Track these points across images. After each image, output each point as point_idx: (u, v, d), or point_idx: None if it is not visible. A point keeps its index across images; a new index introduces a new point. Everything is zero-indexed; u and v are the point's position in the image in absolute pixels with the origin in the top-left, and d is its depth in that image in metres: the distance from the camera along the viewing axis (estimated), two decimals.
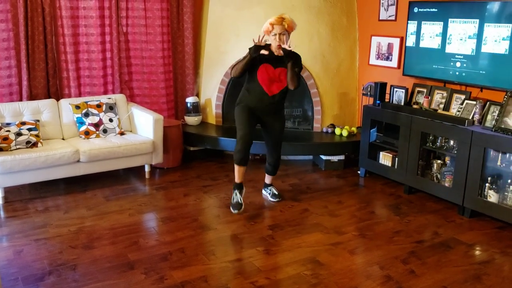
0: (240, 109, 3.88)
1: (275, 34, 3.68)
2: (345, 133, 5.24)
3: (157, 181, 4.73)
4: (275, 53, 3.77)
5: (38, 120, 4.44)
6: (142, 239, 3.46)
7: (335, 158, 5.15)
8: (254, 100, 3.86)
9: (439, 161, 4.30)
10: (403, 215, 3.98)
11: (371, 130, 4.80)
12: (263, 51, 3.66)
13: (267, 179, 4.28)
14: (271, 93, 3.82)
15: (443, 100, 4.39)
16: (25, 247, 3.29)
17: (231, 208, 3.95)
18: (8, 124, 4.24)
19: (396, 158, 4.55)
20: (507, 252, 3.37)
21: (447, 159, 4.24)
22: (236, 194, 3.96)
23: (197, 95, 5.75)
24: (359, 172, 5.00)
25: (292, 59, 3.70)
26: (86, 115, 4.66)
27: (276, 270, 3.05)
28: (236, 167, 3.86)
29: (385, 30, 5.13)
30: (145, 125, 4.78)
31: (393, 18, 5.02)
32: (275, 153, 4.07)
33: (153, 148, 4.66)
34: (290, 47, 3.70)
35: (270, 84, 3.81)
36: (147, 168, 4.80)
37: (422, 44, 4.52)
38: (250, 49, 3.68)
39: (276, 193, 4.24)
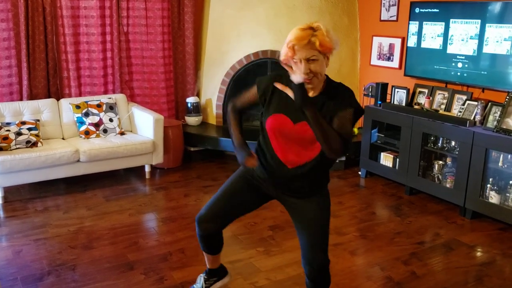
0: (236, 173, 2.36)
1: (299, 61, 1.96)
2: None
3: (157, 181, 4.72)
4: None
5: (38, 120, 4.43)
6: (142, 239, 3.45)
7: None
8: (263, 168, 2.22)
9: (440, 162, 4.29)
10: (404, 216, 3.97)
11: (372, 131, 4.78)
12: (280, 86, 1.99)
13: None
14: (292, 165, 2.15)
15: (445, 101, 4.38)
16: (24, 247, 3.28)
17: None
18: (8, 124, 4.23)
19: (397, 159, 4.54)
20: (508, 253, 3.35)
21: (449, 160, 4.22)
22: (200, 279, 2.64)
23: (198, 95, 5.74)
24: (360, 172, 4.99)
25: (337, 106, 2.02)
26: (86, 115, 4.65)
27: (276, 270, 3.04)
28: (203, 252, 2.54)
29: (386, 30, 5.12)
30: (145, 125, 4.77)
31: (394, 18, 5.00)
32: (313, 257, 2.17)
33: (153, 148, 4.65)
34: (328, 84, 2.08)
35: (289, 151, 2.13)
36: (147, 168, 4.79)
37: (424, 45, 4.51)
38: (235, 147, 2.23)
39: None
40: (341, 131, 1.97)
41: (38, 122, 4.39)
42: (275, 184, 2.20)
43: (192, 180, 4.73)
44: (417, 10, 4.54)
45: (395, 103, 4.70)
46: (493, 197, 3.76)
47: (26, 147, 4.19)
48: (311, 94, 2.05)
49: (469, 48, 4.12)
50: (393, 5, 5.00)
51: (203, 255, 2.53)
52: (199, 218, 2.32)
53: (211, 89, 5.61)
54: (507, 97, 3.77)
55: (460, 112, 4.12)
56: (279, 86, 1.98)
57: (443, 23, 4.31)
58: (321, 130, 1.91)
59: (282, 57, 2.00)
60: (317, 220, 2.18)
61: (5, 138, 4.12)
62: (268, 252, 3.28)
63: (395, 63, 5.04)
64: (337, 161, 5.13)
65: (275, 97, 2.11)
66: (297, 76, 1.90)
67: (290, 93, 1.94)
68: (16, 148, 4.14)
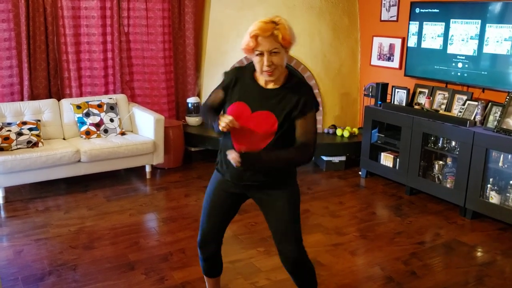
0: (210, 183, 2.35)
1: (261, 53, 2.01)
2: (346, 134, 5.23)
3: (158, 181, 4.72)
4: (263, 83, 2.13)
5: (39, 120, 4.44)
6: (143, 239, 3.45)
7: (336, 159, 5.14)
8: (226, 166, 2.20)
9: (440, 162, 4.29)
10: (404, 216, 3.97)
11: (372, 131, 4.79)
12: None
13: None
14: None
15: (445, 101, 4.38)
16: (25, 247, 3.29)
17: None
18: (9, 124, 4.24)
19: (398, 159, 4.54)
20: (509, 253, 3.35)
21: (449, 160, 4.23)
22: None
23: (198, 95, 5.75)
24: (360, 173, 4.99)
25: (300, 104, 2.06)
26: (87, 115, 4.65)
27: (277, 270, 3.04)
28: (205, 277, 2.53)
29: (386, 30, 5.12)
30: (146, 125, 4.77)
31: (394, 18, 5.01)
32: (285, 249, 2.21)
33: (154, 148, 4.66)
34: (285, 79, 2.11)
35: (245, 141, 2.11)
36: (148, 169, 4.79)
37: (424, 45, 4.51)
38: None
39: None
40: (305, 138, 2.06)
41: (39, 122, 4.40)
42: (236, 179, 2.17)
43: (193, 180, 4.74)
44: (417, 10, 4.54)
45: (395, 103, 4.70)
46: (494, 197, 3.76)
47: (27, 147, 4.19)
48: (271, 85, 2.11)
49: (469, 48, 4.12)
50: (393, 5, 5.00)
51: (205, 280, 2.55)
52: (200, 243, 2.35)
53: (212, 89, 5.59)
54: (507, 97, 3.78)
55: (460, 112, 4.12)
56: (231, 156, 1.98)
57: (443, 23, 4.31)
58: (282, 163, 2.08)
59: (243, 46, 2.06)
60: (284, 212, 2.18)
61: (6, 138, 4.13)
62: (269, 252, 3.28)
63: (395, 63, 5.04)
64: (337, 161, 5.14)
65: (237, 87, 2.17)
66: (259, 68, 2.03)
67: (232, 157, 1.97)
68: (17, 148, 4.15)
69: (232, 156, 1.98)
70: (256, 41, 1.99)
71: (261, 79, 2.12)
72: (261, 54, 2.01)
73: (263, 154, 2.05)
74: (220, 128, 2.00)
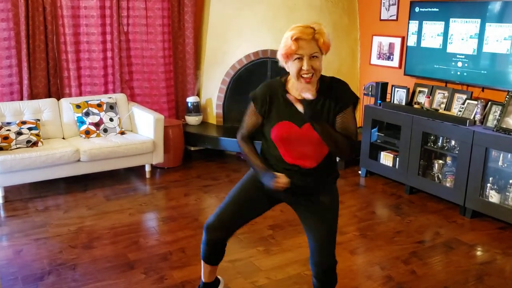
0: (246, 176, 2.34)
1: (300, 58, 1.95)
2: None
3: (158, 180, 4.72)
4: (297, 94, 2.04)
5: (38, 120, 4.43)
6: (142, 239, 3.45)
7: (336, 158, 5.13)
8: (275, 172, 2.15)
9: (440, 161, 4.29)
10: (404, 215, 3.97)
11: (372, 130, 4.78)
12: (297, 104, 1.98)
13: None
14: (304, 167, 2.14)
15: (445, 100, 4.38)
16: (24, 246, 3.29)
17: None
18: (8, 123, 4.24)
19: (397, 158, 4.54)
20: (508, 252, 3.35)
21: (449, 159, 4.23)
22: None
23: (198, 94, 5.74)
24: (360, 172, 4.99)
25: (340, 105, 2.06)
26: (87, 114, 4.65)
27: (277, 270, 3.04)
28: (202, 263, 2.49)
29: (386, 29, 5.12)
30: (145, 125, 4.77)
31: (394, 17, 5.00)
32: (322, 259, 2.18)
33: (153, 147, 4.66)
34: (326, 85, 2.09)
35: (298, 155, 2.12)
36: (147, 168, 4.79)
37: (424, 44, 4.51)
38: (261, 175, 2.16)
39: None
40: (346, 132, 2.04)
41: (38, 122, 4.39)
42: (287, 189, 2.10)
43: (192, 180, 4.74)
44: (417, 9, 4.54)
45: (395, 102, 4.70)
46: (493, 196, 3.76)
47: (27, 147, 4.19)
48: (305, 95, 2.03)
49: (469, 47, 4.12)
50: (393, 5, 5.00)
51: (201, 265, 2.51)
52: (208, 225, 2.29)
53: (211, 89, 5.62)
54: (507, 96, 3.77)
55: (460, 111, 4.12)
56: (291, 98, 1.98)
57: (443, 22, 4.31)
58: (331, 141, 1.99)
59: (282, 51, 1.97)
60: (327, 222, 2.18)
61: (6, 137, 4.13)
62: (268, 251, 3.28)
63: (395, 63, 5.04)
64: (337, 160, 5.13)
65: (274, 106, 2.09)
66: (307, 94, 1.94)
67: (300, 107, 1.96)
68: (17, 148, 4.14)
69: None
70: (298, 45, 1.93)
71: (294, 91, 2.05)
72: (300, 58, 1.95)
73: (333, 131, 2.02)
74: (275, 187, 2.02)
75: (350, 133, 2.05)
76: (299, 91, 2.00)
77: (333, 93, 2.06)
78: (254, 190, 2.25)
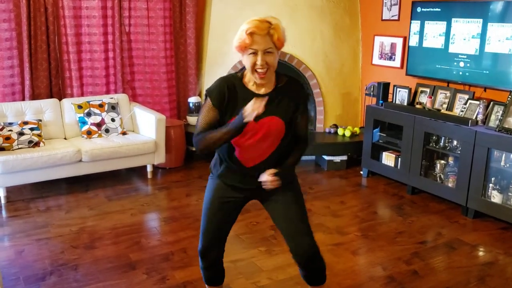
0: (208, 191, 2.29)
1: (254, 52, 1.96)
2: (347, 133, 5.22)
3: (159, 181, 4.72)
4: (254, 88, 2.07)
5: (40, 120, 4.44)
6: (144, 239, 3.45)
7: (337, 159, 5.13)
8: (231, 175, 2.20)
9: (442, 162, 4.28)
10: (406, 216, 3.96)
11: (374, 130, 4.78)
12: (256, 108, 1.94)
13: None
14: (254, 162, 2.14)
15: (447, 100, 4.37)
16: (26, 246, 3.29)
17: None
18: (10, 124, 4.24)
19: (399, 159, 4.53)
20: (510, 253, 3.35)
21: (451, 160, 4.22)
22: None
23: (200, 95, 5.74)
24: (361, 172, 4.98)
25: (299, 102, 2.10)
26: (88, 114, 4.65)
27: (278, 270, 3.04)
28: (207, 286, 2.49)
29: (388, 29, 5.12)
30: (147, 125, 4.77)
31: (396, 17, 5.00)
32: (300, 244, 2.21)
33: (155, 148, 4.66)
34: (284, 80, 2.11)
35: (250, 149, 2.11)
36: (149, 168, 4.79)
37: (425, 44, 4.50)
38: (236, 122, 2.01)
39: None
40: (307, 130, 2.17)
41: (40, 122, 4.40)
42: (247, 184, 2.17)
43: (194, 180, 4.74)
44: (418, 9, 4.53)
45: (397, 102, 4.69)
46: (495, 197, 3.75)
47: (28, 147, 4.19)
48: (264, 90, 2.06)
49: (471, 47, 4.11)
50: (394, 5, 4.99)
51: None
52: (201, 251, 2.31)
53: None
54: (509, 96, 3.76)
55: (462, 111, 4.11)
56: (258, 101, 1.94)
57: (445, 22, 4.30)
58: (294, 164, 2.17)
59: (236, 43, 1.98)
60: (296, 207, 2.21)
61: (8, 138, 4.13)
62: (270, 252, 3.28)
63: (397, 63, 5.03)
64: (339, 160, 5.13)
65: (231, 99, 2.06)
66: (249, 66, 1.97)
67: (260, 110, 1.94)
68: (18, 148, 4.15)
69: (270, 180, 2.04)
70: (252, 39, 1.94)
71: (252, 85, 2.07)
72: (254, 53, 1.96)
73: (290, 165, 2.16)
74: (252, 117, 1.92)
75: (308, 133, 2.18)
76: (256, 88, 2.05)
77: (292, 92, 2.10)
78: (222, 200, 2.23)
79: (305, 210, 2.25)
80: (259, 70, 1.98)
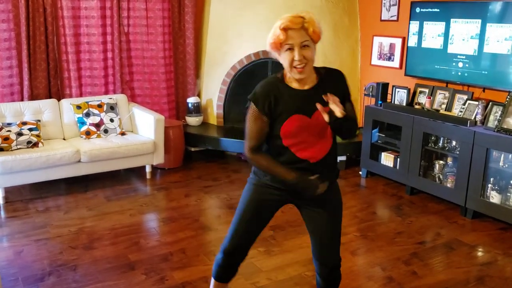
0: (248, 190, 2.21)
1: (290, 48, 1.92)
2: None
3: (158, 181, 4.72)
4: (298, 85, 2.02)
5: (39, 120, 4.43)
6: (143, 239, 3.45)
7: None
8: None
9: (441, 162, 4.28)
10: (405, 216, 3.96)
11: (372, 131, 4.78)
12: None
13: None
14: (315, 159, 2.07)
15: (445, 101, 4.37)
16: (25, 247, 3.28)
17: None
18: (9, 124, 4.24)
19: (398, 159, 4.53)
20: (509, 253, 3.35)
21: (449, 160, 4.22)
22: None
23: (199, 95, 5.74)
24: (360, 172, 4.98)
25: (339, 90, 2.05)
26: (87, 115, 4.65)
27: (277, 270, 3.04)
28: (213, 281, 2.40)
29: (387, 30, 5.12)
30: (146, 126, 4.77)
31: (395, 18, 5.00)
32: (329, 257, 2.19)
33: (154, 148, 4.65)
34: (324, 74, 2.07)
35: (312, 145, 2.06)
36: (148, 169, 4.79)
37: (424, 44, 4.51)
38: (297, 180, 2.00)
39: None
40: (354, 113, 2.11)
41: (39, 123, 4.39)
42: (295, 190, 2.06)
43: (193, 180, 4.73)
44: (417, 9, 4.54)
45: (395, 103, 4.70)
46: (494, 197, 3.76)
47: (27, 148, 4.19)
48: (308, 86, 2.01)
49: (470, 48, 4.11)
50: (393, 5, 5.00)
51: (211, 283, 2.45)
52: (227, 251, 2.24)
53: (212, 89, 5.61)
54: (508, 96, 3.77)
55: (461, 112, 4.12)
56: (319, 107, 1.91)
57: (444, 23, 4.30)
58: (349, 125, 2.01)
59: (270, 40, 1.93)
60: (335, 220, 2.16)
61: (6, 138, 4.13)
62: (269, 252, 3.28)
63: (395, 63, 5.03)
64: (338, 160, 5.13)
65: (280, 102, 1.99)
66: (337, 110, 1.88)
67: (326, 117, 1.91)
68: (17, 149, 4.14)
69: (338, 109, 1.89)
70: (287, 34, 1.89)
71: (294, 83, 2.01)
72: (291, 48, 1.90)
73: (353, 120, 2.09)
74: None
75: (356, 117, 2.13)
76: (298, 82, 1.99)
77: (334, 82, 2.06)
78: (259, 205, 2.18)
79: (340, 226, 2.20)
80: (297, 66, 1.91)
